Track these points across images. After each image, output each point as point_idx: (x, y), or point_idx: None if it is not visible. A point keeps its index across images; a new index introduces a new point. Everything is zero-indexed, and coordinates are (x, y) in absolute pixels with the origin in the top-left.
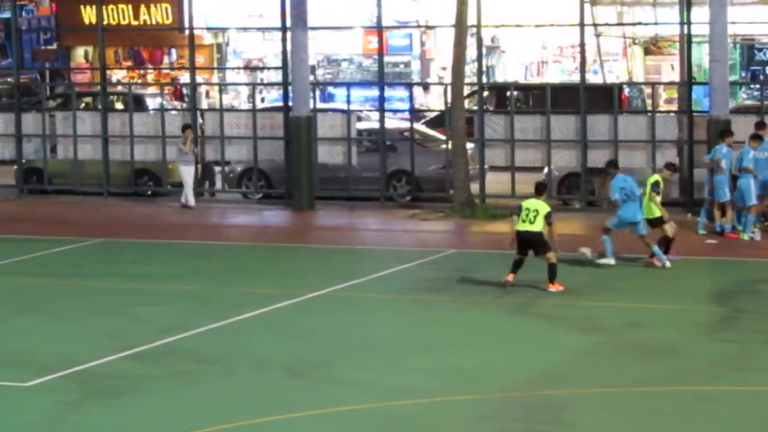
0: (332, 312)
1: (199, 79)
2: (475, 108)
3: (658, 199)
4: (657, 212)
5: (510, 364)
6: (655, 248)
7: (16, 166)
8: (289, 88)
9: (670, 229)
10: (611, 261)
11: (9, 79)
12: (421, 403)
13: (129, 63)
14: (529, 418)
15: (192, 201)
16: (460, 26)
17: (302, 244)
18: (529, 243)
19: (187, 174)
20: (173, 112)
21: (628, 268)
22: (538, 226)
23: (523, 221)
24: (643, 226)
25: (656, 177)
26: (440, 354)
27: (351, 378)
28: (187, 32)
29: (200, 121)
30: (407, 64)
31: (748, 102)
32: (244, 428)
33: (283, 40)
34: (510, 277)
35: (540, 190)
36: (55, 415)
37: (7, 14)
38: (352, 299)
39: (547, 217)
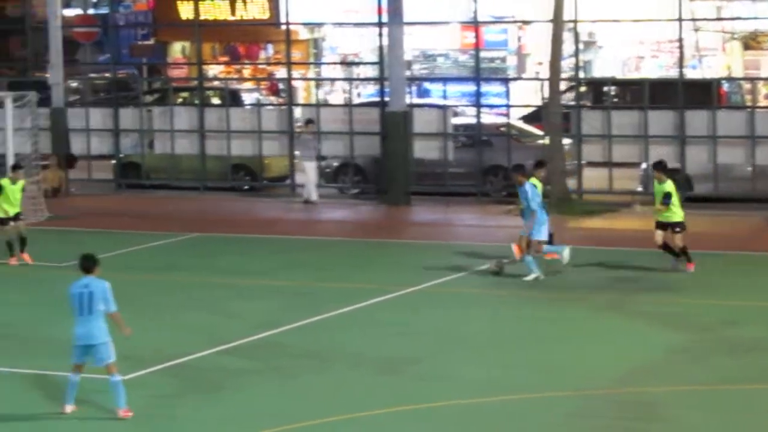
0: (426, 308)
1: (295, 74)
2: (572, 103)
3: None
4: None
5: (602, 361)
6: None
7: (114, 161)
8: (385, 83)
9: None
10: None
11: (106, 75)
12: (512, 400)
13: (225, 58)
14: (619, 415)
15: (314, 196)
16: (558, 21)
17: (397, 239)
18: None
19: (310, 169)
20: (269, 107)
21: (724, 264)
22: None
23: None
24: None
25: (670, 187)
26: (532, 350)
27: (443, 374)
28: (283, 28)
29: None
30: (503, 60)
31: None
32: (338, 423)
33: (380, 35)
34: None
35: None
36: (151, 409)
37: (104, 10)
38: (446, 295)
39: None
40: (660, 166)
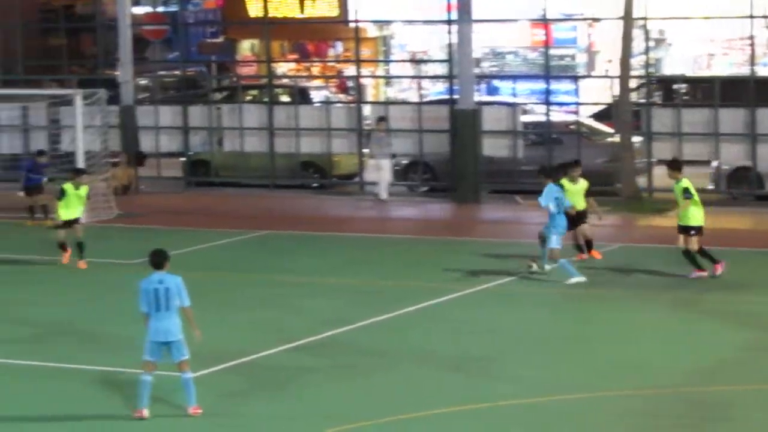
0: (494, 306)
1: (363, 72)
2: (642, 101)
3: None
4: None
5: (672, 360)
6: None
7: (183, 159)
8: (455, 81)
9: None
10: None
11: (176, 72)
12: (581, 398)
13: (294, 56)
14: (690, 414)
15: (384, 194)
16: (628, 18)
17: (466, 237)
18: None
19: (385, 167)
20: (338, 105)
21: None
22: None
23: None
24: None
25: (687, 183)
26: (602, 349)
27: (511, 373)
28: (352, 25)
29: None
30: (573, 57)
31: None
32: (404, 422)
33: (449, 32)
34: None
35: None
36: (220, 407)
37: (174, 8)
38: (514, 293)
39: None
40: (675, 164)
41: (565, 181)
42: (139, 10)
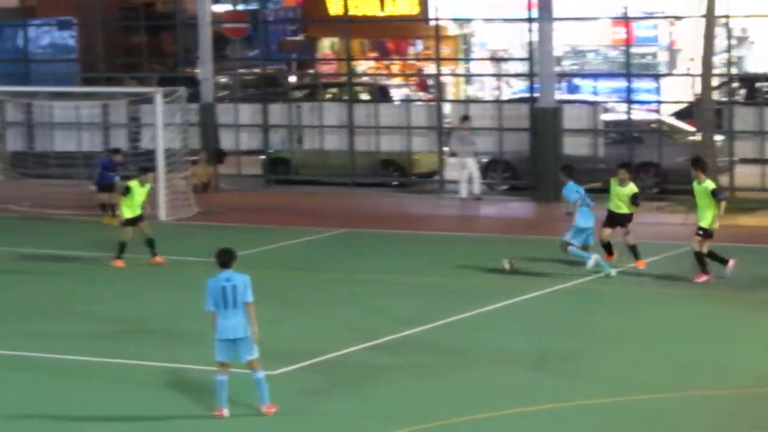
0: (574, 304)
1: (444, 70)
2: (724, 100)
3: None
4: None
5: (755, 359)
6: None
7: (263, 157)
8: (535, 79)
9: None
10: (612, 271)
11: (256, 70)
12: (664, 398)
13: (374, 54)
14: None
15: (464, 193)
16: (710, 17)
17: (546, 235)
18: None
19: (469, 166)
20: (418, 103)
21: None
22: None
23: None
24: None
25: (712, 185)
26: (683, 348)
27: (593, 371)
28: (432, 23)
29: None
30: (654, 56)
31: None
32: (482, 421)
33: (529, 31)
34: None
35: None
36: (300, 405)
37: (254, 6)
38: (594, 292)
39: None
40: (699, 163)
41: (613, 181)
42: (220, 8)
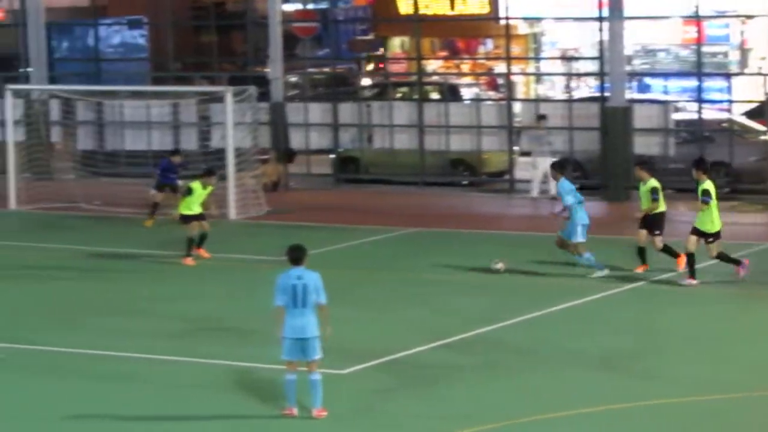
0: (643, 305)
1: (514, 69)
2: None
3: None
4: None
5: None
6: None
7: (332, 156)
8: (605, 78)
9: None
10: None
11: (326, 70)
12: (732, 398)
13: (444, 53)
14: None
15: (536, 192)
16: None
17: (616, 235)
18: None
19: (542, 165)
20: (488, 102)
21: None
22: None
23: None
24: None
25: (709, 186)
26: (750, 348)
27: (663, 371)
28: (502, 22)
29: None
30: (725, 55)
31: None
32: (553, 420)
33: (600, 30)
34: None
35: None
36: (369, 404)
37: (324, 5)
38: (663, 291)
39: None
40: (702, 165)
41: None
42: (290, 7)
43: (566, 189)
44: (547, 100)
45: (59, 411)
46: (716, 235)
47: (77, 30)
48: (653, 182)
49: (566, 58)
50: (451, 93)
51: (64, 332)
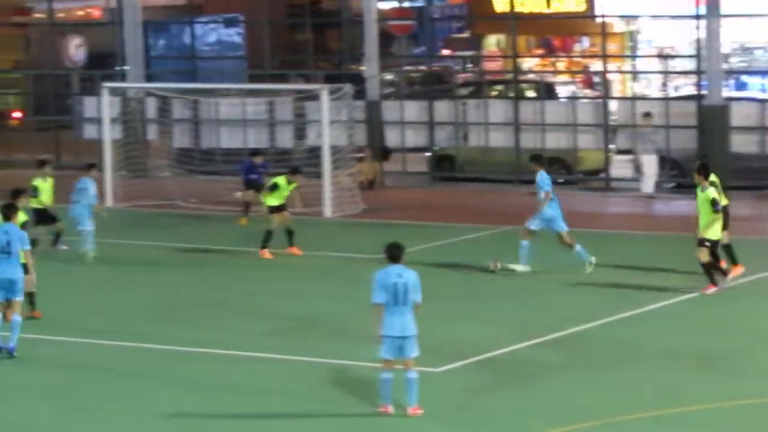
0: (743, 303)
1: (610, 67)
2: None
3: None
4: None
5: None
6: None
7: (428, 154)
8: (702, 76)
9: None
10: (527, 267)
11: (421, 67)
12: None
13: (540, 51)
14: None
15: (650, 189)
16: None
17: None
18: None
19: (649, 163)
20: (584, 100)
21: None
22: None
23: None
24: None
25: (714, 193)
26: None
27: (758, 371)
28: (598, 20)
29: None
30: None
31: None
32: (649, 419)
33: (697, 28)
34: None
35: None
36: (464, 401)
37: (420, 3)
38: (757, 291)
39: None
40: (703, 169)
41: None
42: (385, 5)
43: (546, 181)
44: (643, 98)
45: (157, 408)
46: (713, 243)
47: (173, 28)
48: (711, 192)
49: (663, 56)
50: (546, 91)
51: (166, 329)
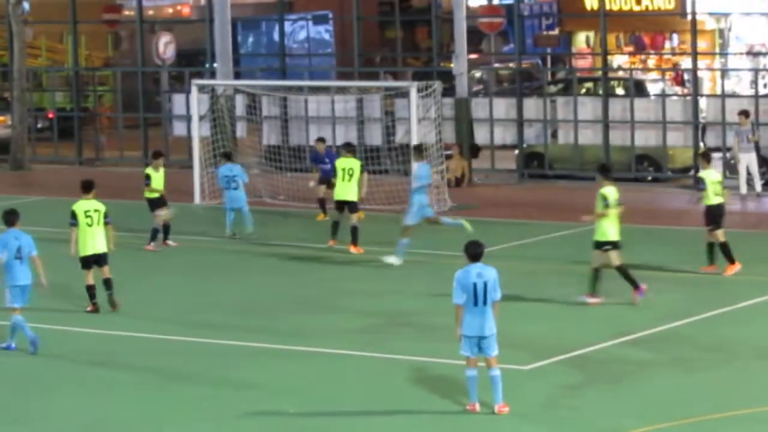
0: None
1: (700, 64)
2: None
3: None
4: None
5: None
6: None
7: (517, 151)
8: None
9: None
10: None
11: (511, 65)
12: None
13: (630, 48)
14: None
15: (757, 186)
16: None
17: None
18: None
19: (746, 161)
20: (674, 98)
21: None
22: None
23: None
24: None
25: (606, 192)
26: None
27: None
28: (689, 17)
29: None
30: None
31: None
32: (742, 417)
33: None
34: None
35: None
36: (553, 399)
37: (509, 0)
38: None
39: None
40: (603, 170)
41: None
42: (475, 2)
43: (424, 173)
44: (734, 95)
45: (241, 407)
46: (613, 244)
47: (263, 25)
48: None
49: (753, 54)
50: (636, 88)
51: (251, 326)
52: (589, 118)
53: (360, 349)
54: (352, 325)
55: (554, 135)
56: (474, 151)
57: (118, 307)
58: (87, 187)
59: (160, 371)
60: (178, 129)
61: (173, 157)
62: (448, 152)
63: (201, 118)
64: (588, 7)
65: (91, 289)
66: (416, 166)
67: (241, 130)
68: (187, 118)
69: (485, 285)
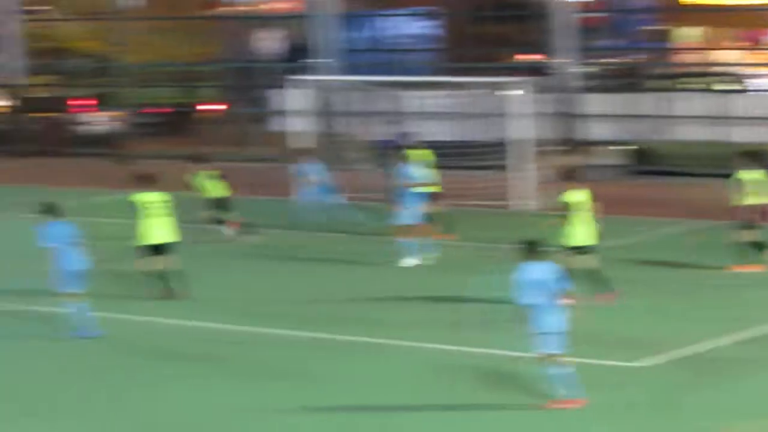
0: None
1: None
2: None
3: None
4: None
5: None
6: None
7: (625, 147)
8: None
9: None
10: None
11: (615, 60)
12: None
13: (737, 43)
14: None
15: None
16: None
17: None
18: None
19: None
20: None
21: None
22: None
23: None
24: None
25: (568, 197)
26: None
27: None
28: None
29: None
30: None
31: None
32: None
33: None
34: None
35: None
36: (665, 396)
37: None
38: None
39: None
40: (568, 174)
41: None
42: None
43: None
44: None
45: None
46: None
47: (367, 21)
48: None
49: None
50: (745, 83)
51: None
52: (698, 113)
53: (443, 342)
54: (434, 318)
55: (663, 131)
56: (579, 146)
57: (180, 297)
58: (146, 181)
59: (236, 362)
60: (280, 124)
61: (271, 152)
62: (557, 148)
63: (305, 113)
64: (690, 1)
65: (159, 275)
66: (410, 167)
67: (345, 125)
68: (291, 113)
69: (547, 282)
